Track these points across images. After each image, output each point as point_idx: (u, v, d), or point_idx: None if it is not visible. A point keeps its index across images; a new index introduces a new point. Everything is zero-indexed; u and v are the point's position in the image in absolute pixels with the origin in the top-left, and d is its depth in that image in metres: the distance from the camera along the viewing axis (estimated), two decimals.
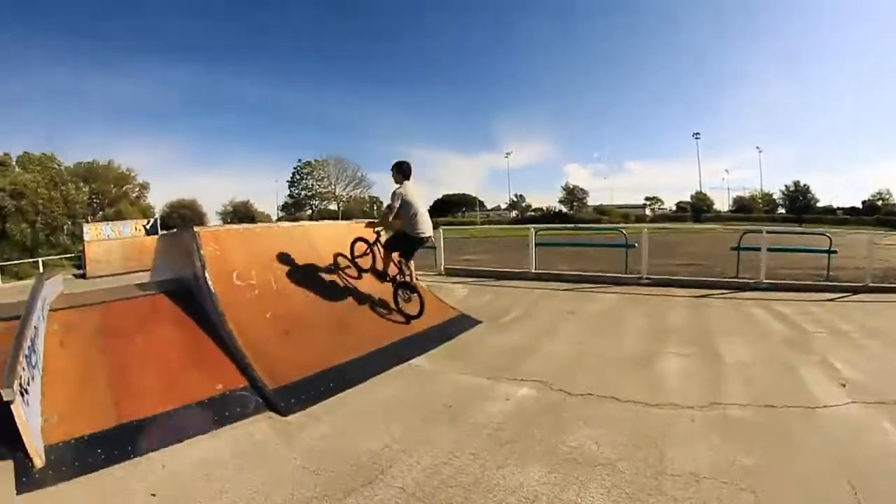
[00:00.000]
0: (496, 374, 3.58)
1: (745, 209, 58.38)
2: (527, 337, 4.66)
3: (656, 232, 22.91)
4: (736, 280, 7.61)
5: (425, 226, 4.73)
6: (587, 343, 4.44)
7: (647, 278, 7.67)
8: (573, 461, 2.36)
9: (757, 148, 62.43)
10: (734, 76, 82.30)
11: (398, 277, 4.91)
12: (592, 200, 65.57)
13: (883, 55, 77.68)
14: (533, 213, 63.80)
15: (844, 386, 3.36)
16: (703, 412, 2.90)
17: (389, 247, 4.96)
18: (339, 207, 57.58)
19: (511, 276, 8.51)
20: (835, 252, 7.93)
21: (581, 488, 2.13)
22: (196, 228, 4.31)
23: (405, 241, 4.80)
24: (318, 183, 59.88)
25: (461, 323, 5.04)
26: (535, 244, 8.67)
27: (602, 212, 57.42)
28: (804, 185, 56.58)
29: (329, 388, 3.37)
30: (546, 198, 77.28)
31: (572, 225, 26.17)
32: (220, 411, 3.02)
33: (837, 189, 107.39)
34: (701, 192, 61.98)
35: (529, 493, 2.10)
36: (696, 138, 61.21)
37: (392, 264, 5.00)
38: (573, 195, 65.05)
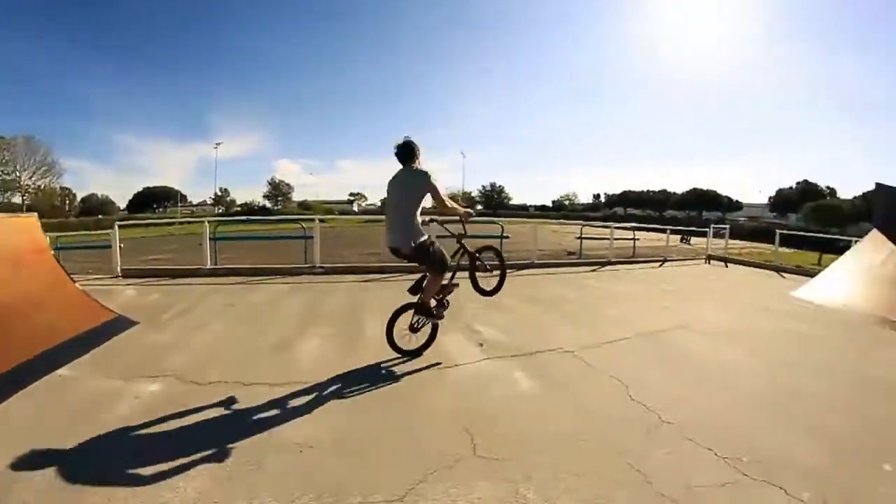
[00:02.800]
0: (133, 374, 3.27)
1: None
2: (178, 333, 4.32)
3: (350, 225, 25.82)
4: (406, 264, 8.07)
5: (388, 234, 3.49)
6: (233, 333, 4.34)
7: (320, 267, 8.09)
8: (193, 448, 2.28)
9: (461, 153, 76.74)
10: (444, 86, 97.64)
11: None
12: (300, 196, 66.59)
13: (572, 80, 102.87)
14: (238, 208, 61.44)
15: (482, 345, 3.96)
16: (328, 390, 3.03)
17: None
18: (23, 200, 44.09)
19: (186, 273, 7.85)
20: (507, 237, 9.20)
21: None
22: None
23: None
24: (2, 168, 43.93)
25: (116, 325, 4.38)
26: (215, 238, 8.52)
27: (306, 206, 57.25)
28: (499, 186, 70.48)
29: None
30: (253, 192, 74.37)
31: (258, 217, 30.71)
32: None
33: (533, 190, 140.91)
34: None
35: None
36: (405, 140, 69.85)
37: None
38: (278, 190, 65.33)
